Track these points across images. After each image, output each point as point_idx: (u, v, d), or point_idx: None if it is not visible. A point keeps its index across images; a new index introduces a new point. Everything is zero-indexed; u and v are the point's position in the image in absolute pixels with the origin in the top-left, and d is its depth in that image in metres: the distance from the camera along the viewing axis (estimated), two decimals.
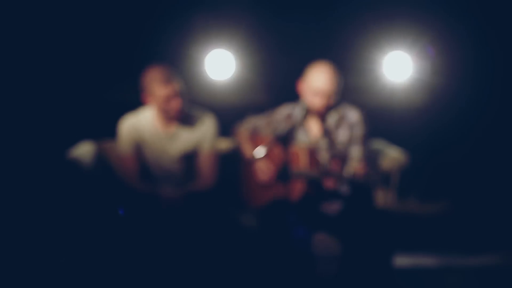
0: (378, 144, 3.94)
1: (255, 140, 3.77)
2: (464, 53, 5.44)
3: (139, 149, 3.53)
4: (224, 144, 4.00)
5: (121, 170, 3.56)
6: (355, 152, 3.54)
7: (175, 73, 3.41)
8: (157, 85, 3.35)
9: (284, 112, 3.68)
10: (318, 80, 3.42)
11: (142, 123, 3.54)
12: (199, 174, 3.57)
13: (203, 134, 3.55)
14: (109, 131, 3.99)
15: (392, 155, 3.69)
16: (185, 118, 3.55)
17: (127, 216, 3.48)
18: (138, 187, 3.50)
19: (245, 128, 3.82)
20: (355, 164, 3.52)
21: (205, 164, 3.56)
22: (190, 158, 3.58)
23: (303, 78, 3.50)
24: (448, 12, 5.47)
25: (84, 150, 3.68)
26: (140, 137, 3.52)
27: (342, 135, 3.55)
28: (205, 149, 3.56)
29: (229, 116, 5.60)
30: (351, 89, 5.74)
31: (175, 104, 3.38)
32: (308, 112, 3.42)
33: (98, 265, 3.48)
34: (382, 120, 5.46)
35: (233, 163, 3.84)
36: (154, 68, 3.41)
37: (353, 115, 3.55)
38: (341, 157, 3.56)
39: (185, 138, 3.55)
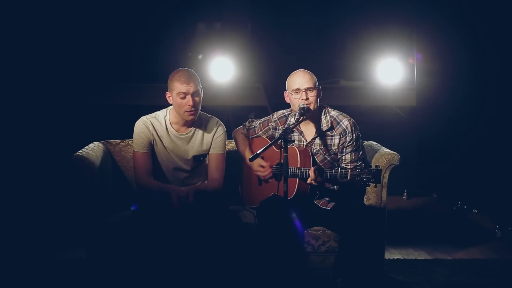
0: (370, 144, 4.04)
1: (252, 143, 3.91)
2: (457, 56, 5.57)
3: (152, 147, 3.67)
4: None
5: (135, 167, 3.67)
6: (346, 157, 3.66)
7: (196, 78, 3.61)
8: (177, 82, 3.55)
9: (280, 116, 3.81)
10: (295, 80, 3.61)
11: (157, 123, 3.67)
12: (210, 176, 3.72)
13: (216, 138, 3.72)
14: (116, 132, 4.15)
15: (383, 154, 3.77)
16: (199, 122, 3.71)
17: (139, 212, 3.60)
18: (149, 185, 3.61)
19: (242, 130, 3.95)
20: (345, 167, 3.61)
21: (217, 166, 3.71)
22: (200, 159, 3.72)
23: (286, 88, 3.68)
24: (441, 16, 5.57)
25: (93, 150, 3.76)
26: (154, 136, 3.66)
27: (333, 141, 3.66)
28: (217, 152, 3.72)
29: (229, 119, 5.71)
30: (345, 91, 5.90)
31: (189, 102, 3.55)
32: (303, 114, 3.54)
33: (109, 261, 3.58)
34: (374, 121, 5.59)
35: (231, 164, 3.94)
36: (181, 69, 3.63)
37: (343, 122, 3.66)
38: (333, 161, 3.69)
39: (199, 141, 3.71)
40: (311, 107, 3.59)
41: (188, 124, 3.68)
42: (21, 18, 5.29)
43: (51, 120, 5.38)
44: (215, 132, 3.73)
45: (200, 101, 3.61)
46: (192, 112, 3.58)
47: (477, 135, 5.47)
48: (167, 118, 3.70)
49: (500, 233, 4.87)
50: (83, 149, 3.72)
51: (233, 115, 5.71)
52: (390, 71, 5.79)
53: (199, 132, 3.71)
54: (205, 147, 3.73)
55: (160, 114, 3.72)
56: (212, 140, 3.72)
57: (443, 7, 5.63)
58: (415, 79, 5.85)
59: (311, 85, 3.59)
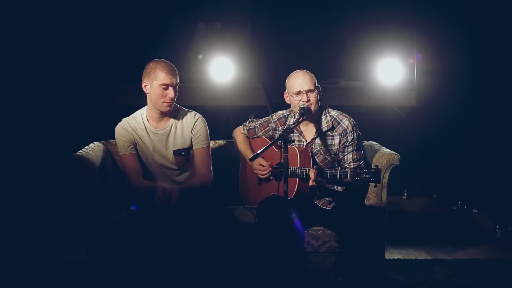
0: (370, 144, 4.05)
1: (253, 143, 3.92)
2: (457, 56, 5.57)
3: (136, 148, 3.68)
4: (221, 143, 4.15)
5: (125, 170, 3.70)
6: (348, 157, 3.67)
7: (176, 70, 3.62)
8: (162, 72, 3.55)
9: (279, 116, 3.82)
10: (295, 82, 3.60)
11: (135, 123, 3.68)
12: (198, 171, 3.71)
13: (196, 132, 3.70)
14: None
15: (383, 154, 3.78)
16: (177, 116, 3.71)
17: (136, 212, 3.58)
18: (140, 184, 3.62)
19: (243, 130, 3.96)
20: (348, 167, 3.63)
21: (202, 161, 3.70)
22: (181, 153, 3.70)
23: (286, 89, 3.68)
24: (441, 16, 5.58)
25: (93, 150, 3.78)
26: (134, 136, 3.67)
27: (334, 141, 3.67)
28: (200, 147, 3.71)
29: (229, 119, 5.71)
30: (345, 91, 5.90)
31: (171, 94, 3.57)
32: (303, 115, 3.55)
33: (109, 261, 3.59)
34: (374, 121, 5.60)
35: (231, 164, 3.98)
36: (162, 59, 3.63)
37: (344, 122, 3.67)
38: (334, 161, 3.70)
39: (178, 135, 3.70)
40: (312, 108, 3.60)
41: (167, 114, 3.68)
42: (21, 18, 5.30)
43: (51, 120, 5.39)
44: (194, 126, 3.71)
45: (177, 93, 3.63)
46: (170, 103, 3.60)
47: (477, 135, 5.48)
48: (144, 116, 3.71)
49: (500, 233, 4.88)
50: (83, 149, 3.73)
51: (233, 115, 5.72)
52: (390, 71, 5.80)
53: (177, 126, 3.71)
54: (184, 142, 3.71)
55: (138, 113, 3.74)
56: (191, 134, 3.71)
57: (443, 7, 5.63)
58: (415, 79, 5.86)
59: (311, 87, 3.60)
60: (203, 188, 3.66)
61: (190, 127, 3.71)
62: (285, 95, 3.71)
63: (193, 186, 3.64)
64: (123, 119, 3.73)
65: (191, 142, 3.72)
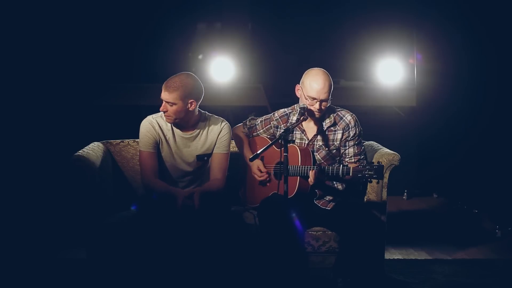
0: (370, 144, 4.05)
1: (253, 142, 3.90)
2: (457, 56, 5.58)
3: (157, 147, 3.66)
4: None
5: (141, 167, 3.67)
6: (349, 151, 3.67)
7: (181, 89, 3.54)
8: (163, 88, 3.56)
9: (281, 114, 3.80)
10: (314, 88, 3.55)
11: (163, 123, 3.67)
12: (213, 176, 3.70)
13: (220, 137, 3.70)
14: (116, 132, 4.17)
15: (383, 154, 3.77)
16: (204, 123, 3.69)
17: (141, 212, 3.62)
18: (155, 185, 3.60)
19: (243, 129, 3.94)
20: (349, 161, 3.65)
21: (220, 166, 3.70)
22: (204, 159, 3.70)
23: (301, 84, 3.63)
24: (441, 16, 5.59)
25: (93, 150, 3.77)
26: (160, 135, 3.65)
27: (336, 136, 3.67)
28: (221, 152, 3.70)
29: (229, 119, 5.72)
30: (345, 91, 5.91)
31: (163, 108, 3.57)
32: (303, 114, 3.54)
33: (109, 261, 3.58)
34: (374, 121, 5.60)
35: (231, 164, 3.91)
36: (179, 73, 3.61)
37: (346, 117, 3.68)
38: (335, 156, 3.70)
39: (203, 141, 3.69)
40: (320, 113, 3.60)
41: (194, 121, 3.67)
42: (22, 19, 5.31)
43: (52, 121, 5.39)
44: (220, 131, 3.71)
45: (177, 111, 3.56)
46: (166, 116, 3.59)
47: (477, 135, 5.48)
48: None
49: (500, 233, 4.88)
50: (83, 149, 3.73)
51: (233, 115, 5.72)
52: (390, 71, 5.81)
53: (204, 132, 3.70)
54: (209, 147, 3.71)
55: None
56: (216, 139, 3.71)
57: (443, 7, 5.64)
58: (415, 79, 5.87)
59: (327, 97, 3.57)
60: (217, 193, 3.66)
61: (217, 133, 3.70)
62: (297, 87, 3.66)
63: (209, 189, 3.64)
64: (150, 116, 3.70)
65: (216, 146, 3.71)
